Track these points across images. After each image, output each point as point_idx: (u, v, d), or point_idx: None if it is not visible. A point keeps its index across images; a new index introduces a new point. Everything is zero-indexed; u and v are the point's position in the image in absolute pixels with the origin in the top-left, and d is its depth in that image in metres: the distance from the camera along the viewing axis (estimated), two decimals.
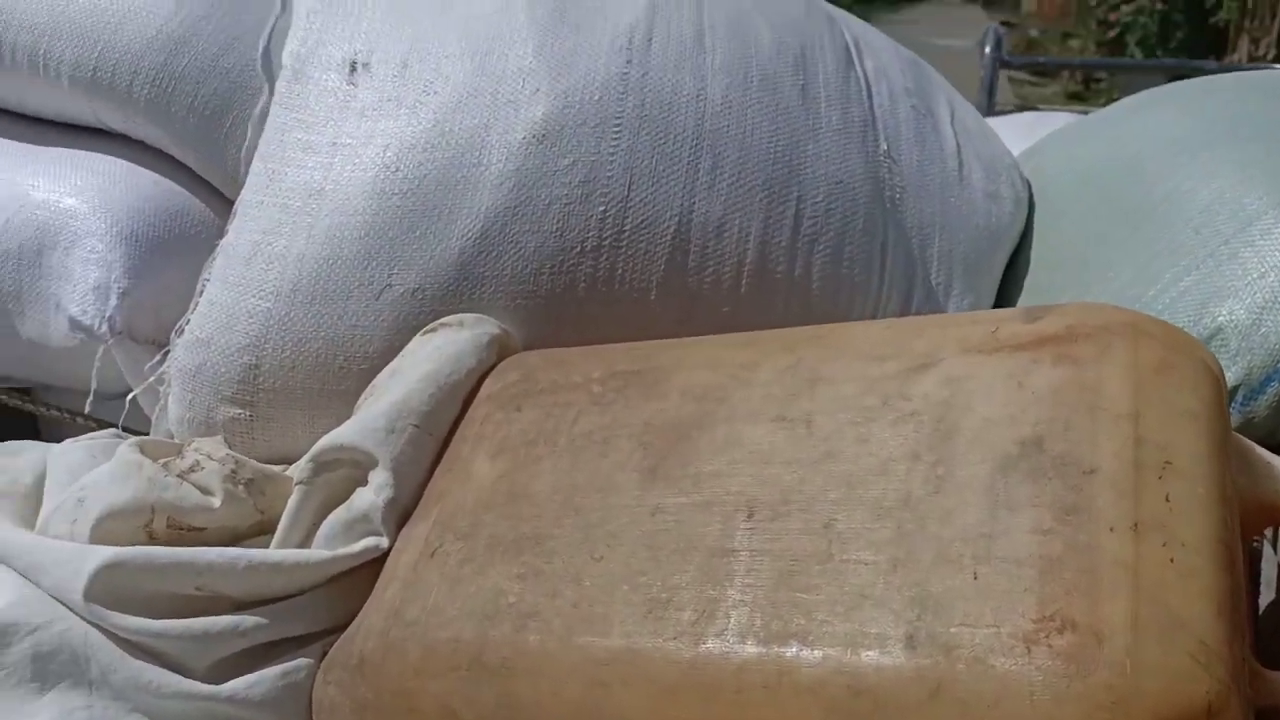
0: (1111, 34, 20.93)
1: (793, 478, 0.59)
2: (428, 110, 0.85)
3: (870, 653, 0.50)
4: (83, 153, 1.00)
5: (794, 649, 0.52)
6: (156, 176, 0.99)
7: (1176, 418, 0.54)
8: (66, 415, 1.02)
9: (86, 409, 0.94)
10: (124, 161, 0.99)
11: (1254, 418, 0.77)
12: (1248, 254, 0.82)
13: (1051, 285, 0.99)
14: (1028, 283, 1.03)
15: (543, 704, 0.58)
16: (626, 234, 0.84)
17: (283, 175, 0.86)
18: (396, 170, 0.83)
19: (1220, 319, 0.80)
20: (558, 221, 0.83)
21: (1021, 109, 2.01)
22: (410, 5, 0.92)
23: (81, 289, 0.92)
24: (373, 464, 0.70)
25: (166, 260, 0.94)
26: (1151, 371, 0.56)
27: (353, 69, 0.88)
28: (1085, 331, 0.59)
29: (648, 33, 0.90)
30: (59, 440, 1.07)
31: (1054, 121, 1.52)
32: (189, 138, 0.97)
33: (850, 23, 1.10)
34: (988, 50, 1.86)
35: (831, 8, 1.13)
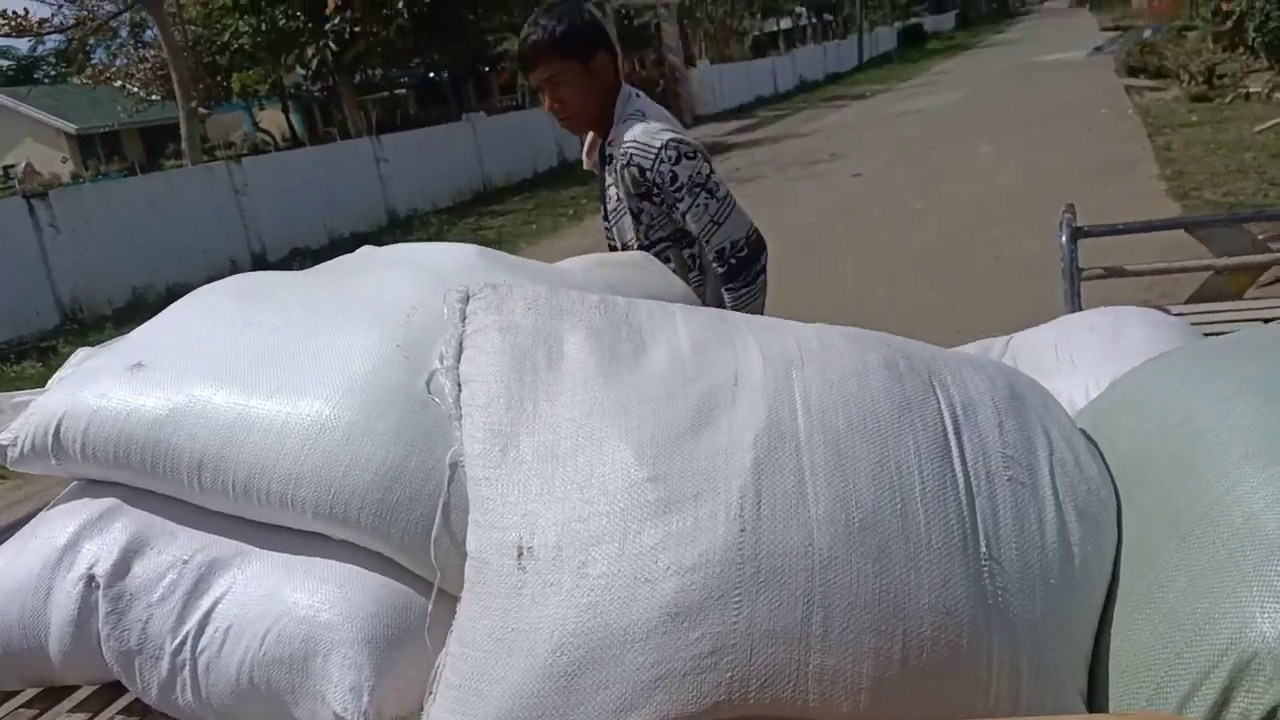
0: (1229, 24, 19.80)
1: None
2: (582, 593, 0.94)
3: None
4: (327, 562, 1.19)
5: None
6: (384, 579, 1.16)
7: None
8: None
9: None
10: (358, 568, 1.17)
11: None
12: (1276, 582, 0.87)
13: (1131, 590, 1.04)
14: (1119, 590, 1.07)
15: None
16: (752, 693, 0.91)
17: (475, 660, 0.99)
18: (561, 654, 0.93)
19: (1255, 644, 0.86)
20: (693, 689, 0.91)
21: (1106, 274, 2.04)
22: (558, 478, 1.02)
23: (340, 689, 1.09)
24: None
25: (400, 651, 1.12)
26: None
27: (519, 554, 0.98)
28: None
29: (756, 495, 0.96)
30: None
31: (1132, 329, 1.59)
32: (405, 549, 1.14)
33: (947, 382, 1.13)
34: (1062, 261, 1.89)
35: (928, 359, 1.16)
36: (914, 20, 56.46)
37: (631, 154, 2.32)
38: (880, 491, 0.99)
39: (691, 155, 2.32)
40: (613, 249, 2.50)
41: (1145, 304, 1.96)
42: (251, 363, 1.27)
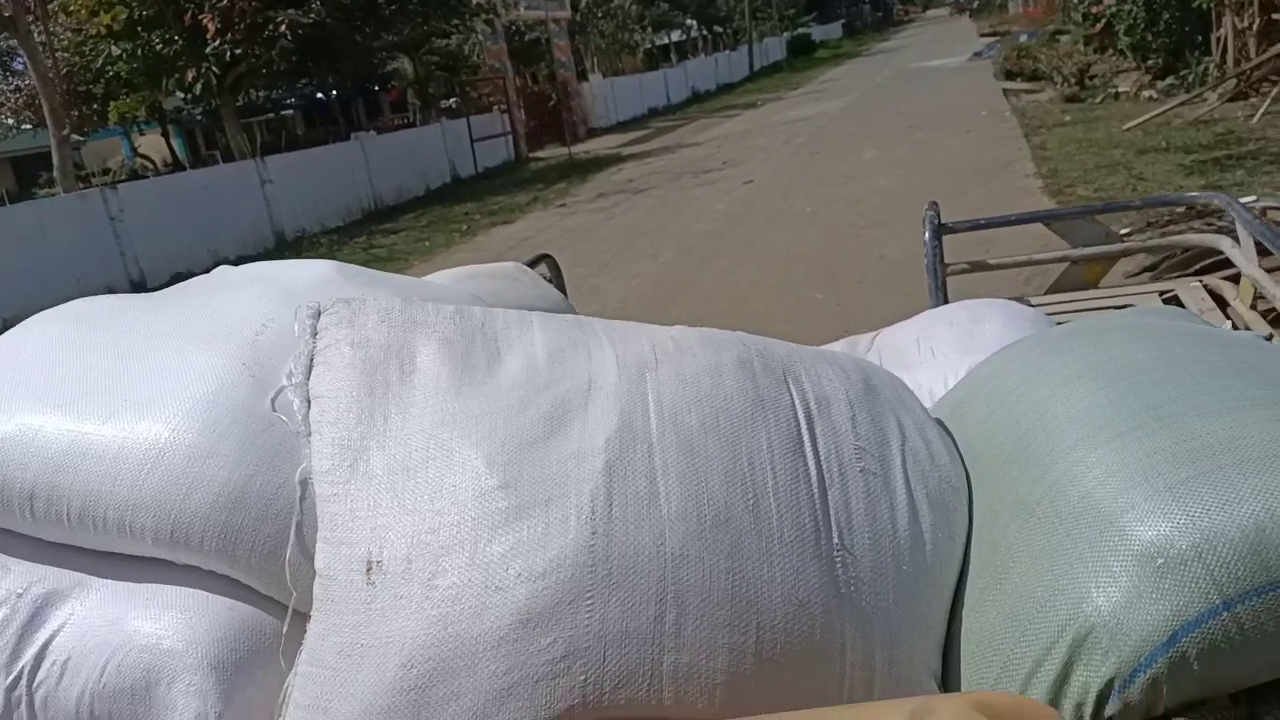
0: (1098, 27, 20.81)
1: None
2: (432, 605, 0.92)
3: None
4: (169, 588, 1.14)
5: None
6: (230, 601, 1.12)
7: None
8: None
9: None
10: (202, 592, 1.13)
11: (1130, 702, 0.87)
12: (1109, 557, 0.90)
13: (979, 573, 1.07)
14: (969, 573, 1.10)
15: None
16: (607, 695, 0.89)
17: (324, 678, 0.96)
18: (411, 668, 0.91)
19: (1091, 619, 0.89)
20: (546, 695, 0.89)
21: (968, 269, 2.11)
22: (408, 491, 0.99)
23: (185, 718, 1.05)
24: None
25: (248, 676, 1.08)
26: None
27: (369, 569, 0.96)
28: None
29: (608, 497, 0.95)
30: None
31: (989, 322, 1.64)
32: (253, 571, 1.11)
33: (801, 378, 1.13)
34: (926, 257, 1.96)
35: (783, 357, 1.16)
36: (801, 30, 57.60)
37: None
38: (732, 488, 0.99)
39: None
40: None
41: (1010, 296, 2.02)
42: (85, 387, 1.21)
